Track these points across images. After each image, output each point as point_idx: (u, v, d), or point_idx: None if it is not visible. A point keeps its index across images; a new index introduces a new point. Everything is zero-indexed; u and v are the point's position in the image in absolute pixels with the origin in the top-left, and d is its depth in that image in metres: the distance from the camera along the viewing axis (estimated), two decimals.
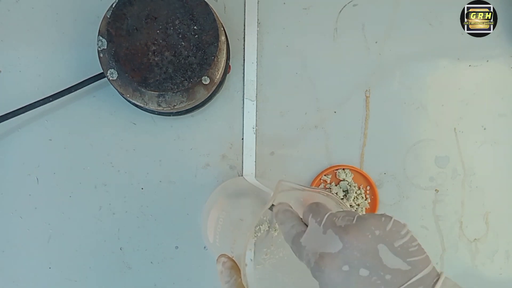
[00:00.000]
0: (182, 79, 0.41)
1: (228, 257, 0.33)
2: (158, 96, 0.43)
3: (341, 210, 0.31)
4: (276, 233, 0.47)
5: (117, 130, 0.49)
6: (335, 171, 0.51)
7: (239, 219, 0.40)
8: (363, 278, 0.25)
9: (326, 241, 0.27)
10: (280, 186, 0.33)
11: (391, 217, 0.27)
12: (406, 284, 0.25)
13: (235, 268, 0.33)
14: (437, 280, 0.25)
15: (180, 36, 0.41)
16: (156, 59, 0.41)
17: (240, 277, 0.32)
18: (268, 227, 0.48)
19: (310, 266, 0.28)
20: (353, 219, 0.28)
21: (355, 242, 0.26)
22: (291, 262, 0.35)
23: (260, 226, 0.48)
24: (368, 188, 0.51)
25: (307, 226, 0.30)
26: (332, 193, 0.36)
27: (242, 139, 0.50)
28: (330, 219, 0.29)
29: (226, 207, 0.43)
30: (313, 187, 0.35)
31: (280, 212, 0.33)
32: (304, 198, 0.44)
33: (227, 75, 0.48)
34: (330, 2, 0.50)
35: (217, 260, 0.34)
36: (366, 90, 0.51)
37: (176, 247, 0.49)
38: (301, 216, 0.32)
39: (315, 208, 0.30)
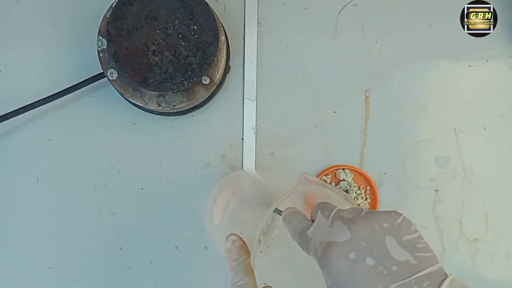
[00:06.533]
0: (182, 79, 0.41)
1: (239, 236, 0.33)
2: (158, 96, 0.43)
3: (351, 207, 0.31)
4: (273, 239, 0.47)
5: (117, 130, 0.49)
6: (335, 171, 0.51)
7: (255, 203, 0.39)
8: (369, 268, 0.25)
9: (334, 232, 0.28)
10: (303, 179, 0.33)
11: (401, 214, 0.28)
12: (412, 277, 0.24)
13: (244, 248, 0.33)
14: (445, 278, 0.25)
15: (180, 36, 0.41)
16: (156, 59, 0.41)
17: (249, 258, 0.32)
18: (263, 236, 0.48)
19: (317, 255, 0.28)
20: (362, 212, 0.28)
21: (362, 231, 0.26)
22: (287, 262, 0.35)
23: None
24: (368, 188, 0.51)
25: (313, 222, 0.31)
26: (343, 191, 0.36)
27: (242, 139, 0.50)
28: (337, 212, 0.29)
29: (238, 192, 0.43)
30: (332, 186, 0.35)
31: (289, 213, 0.33)
32: (310, 192, 0.44)
33: (227, 75, 0.48)
34: (330, 2, 0.50)
35: (226, 238, 0.33)
36: (366, 90, 0.51)
37: (176, 247, 0.49)
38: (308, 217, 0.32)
39: (323, 205, 0.31)
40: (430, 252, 0.26)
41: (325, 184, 0.35)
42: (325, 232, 0.28)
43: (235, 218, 0.40)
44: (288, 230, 0.32)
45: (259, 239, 0.48)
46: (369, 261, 0.25)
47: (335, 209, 0.30)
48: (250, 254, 0.32)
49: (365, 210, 0.29)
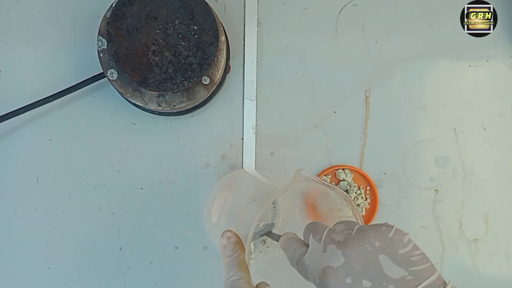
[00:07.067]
0: (182, 79, 0.41)
1: (234, 233, 0.33)
2: (158, 96, 0.43)
3: (341, 221, 0.31)
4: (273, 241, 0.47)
5: (117, 130, 0.49)
6: (335, 171, 0.51)
7: (251, 199, 0.40)
8: None
9: (328, 257, 0.27)
10: (298, 176, 0.33)
11: (392, 226, 0.27)
12: None
13: (239, 244, 0.33)
14: None
15: (180, 36, 0.41)
16: (156, 59, 0.41)
17: (243, 254, 0.32)
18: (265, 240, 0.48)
19: (316, 282, 0.28)
20: (352, 232, 0.28)
21: (355, 255, 0.26)
22: (287, 261, 0.36)
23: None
24: (368, 188, 0.51)
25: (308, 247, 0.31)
26: (339, 189, 0.36)
27: (242, 139, 0.50)
28: (329, 235, 0.29)
29: (236, 190, 0.43)
30: (327, 182, 0.35)
31: (285, 240, 0.33)
32: (310, 191, 0.44)
33: (227, 75, 0.48)
34: (330, 2, 0.50)
35: (222, 234, 0.33)
36: (366, 90, 0.51)
37: (176, 247, 0.49)
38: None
39: (313, 227, 0.31)
40: (426, 262, 0.26)
41: (322, 181, 0.35)
42: (320, 258, 0.28)
43: (232, 215, 0.40)
44: (286, 257, 0.32)
45: (263, 239, 0.48)
46: (366, 284, 0.25)
47: (326, 231, 0.29)
48: (244, 250, 0.32)
49: (356, 226, 0.28)
